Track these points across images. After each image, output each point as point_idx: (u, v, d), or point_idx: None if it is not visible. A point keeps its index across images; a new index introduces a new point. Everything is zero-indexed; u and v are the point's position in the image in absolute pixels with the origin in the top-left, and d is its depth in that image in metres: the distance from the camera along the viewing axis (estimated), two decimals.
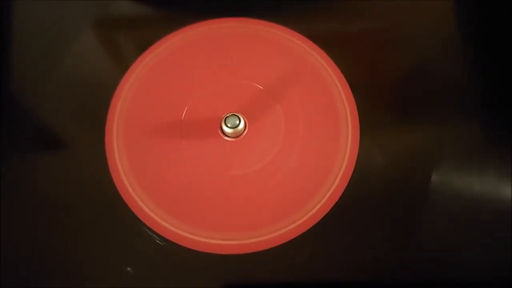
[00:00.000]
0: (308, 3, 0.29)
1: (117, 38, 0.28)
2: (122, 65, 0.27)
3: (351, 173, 0.23)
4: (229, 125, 0.24)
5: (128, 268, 0.22)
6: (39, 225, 0.23)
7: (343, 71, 0.26)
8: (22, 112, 0.26)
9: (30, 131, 0.26)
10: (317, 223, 0.23)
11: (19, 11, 0.29)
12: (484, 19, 0.29)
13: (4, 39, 0.28)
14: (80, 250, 0.23)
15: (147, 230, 0.23)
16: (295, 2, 0.29)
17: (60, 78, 0.27)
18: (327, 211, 0.23)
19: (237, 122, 0.24)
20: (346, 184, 0.23)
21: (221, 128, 0.24)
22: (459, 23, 0.29)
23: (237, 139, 0.24)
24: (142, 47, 0.27)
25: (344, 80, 0.26)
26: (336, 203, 0.23)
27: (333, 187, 0.23)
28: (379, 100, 0.26)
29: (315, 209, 0.23)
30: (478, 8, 0.29)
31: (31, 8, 0.29)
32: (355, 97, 0.25)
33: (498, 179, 0.24)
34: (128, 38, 0.28)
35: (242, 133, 0.24)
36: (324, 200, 0.23)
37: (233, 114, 0.24)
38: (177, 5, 0.29)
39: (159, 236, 0.22)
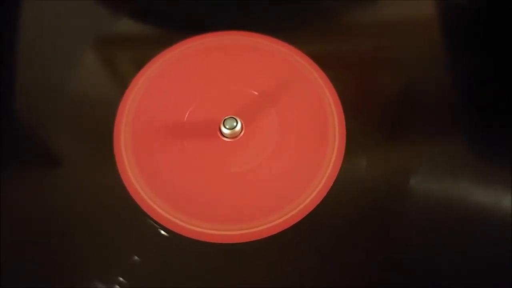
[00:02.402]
0: (302, 20, 0.30)
1: (119, 54, 0.30)
2: (126, 77, 0.28)
3: (336, 173, 0.25)
4: (227, 127, 0.25)
5: (135, 257, 0.24)
6: (44, 227, 0.24)
7: (332, 82, 0.28)
8: (28, 130, 0.27)
9: (40, 146, 0.27)
10: (304, 217, 0.24)
11: (23, 31, 0.30)
12: (471, 42, 0.30)
13: (8, 57, 0.29)
14: (87, 246, 0.24)
15: (152, 223, 0.24)
16: (289, 18, 0.30)
17: (66, 93, 0.28)
18: (313, 208, 0.24)
19: (235, 124, 0.25)
20: (331, 184, 0.25)
21: (220, 129, 0.26)
22: (447, 45, 0.30)
23: (235, 139, 0.26)
24: (146, 59, 0.28)
25: (333, 88, 0.27)
26: (322, 200, 0.25)
27: (319, 186, 0.25)
28: (366, 110, 0.28)
29: (304, 204, 0.24)
30: (465, 32, 0.31)
31: (33, 26, 0.30)
32: (342, 104, 0.27)
33: (487, 196, 0.25)
34: (130, 53, 0.30)
35: (239, 134, 0.26)
36: (310, 197, 0.25)
37: (231, 117, 0.25)
38: (179, 21, 0.31)
39: (163, 227, 0.24)
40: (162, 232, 0.24)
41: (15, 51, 0.29)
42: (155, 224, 0.24)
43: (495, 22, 0.31)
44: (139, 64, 0.28)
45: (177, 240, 0.24)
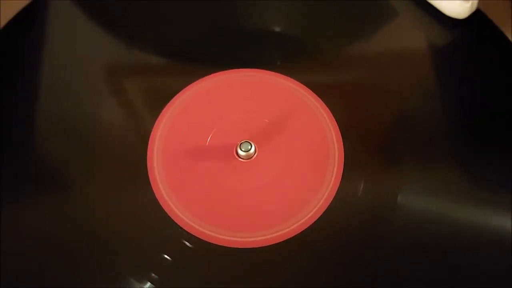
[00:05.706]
0: (306, 58, 0.34)
1: (147, 88, 0.33)
2: (155, 109, 0.31)
3: (335, 192, 0.28)
4: (243, 149, 0.28)
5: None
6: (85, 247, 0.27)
7: (332, 110, 0.31)
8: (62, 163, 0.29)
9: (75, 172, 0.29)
10: (307, 228, 0.27)
11: (47, 65, 0.32)
12: (463, 73, 0.32)
13: (36, 88, 0.30)
14: (122, 250, 0.26)
15: (180, 231, 0.27)
16: (293, 56, 0.34)
17: (98, 125, 0.30)
18: (315, 220, 0.27)
19: (249, 147, 0.28)
20: (329, 203, 0.28)
21: (236, 151, 0.29)
22: (439, 76, 0.32)
23: (249, 160, 0.29)
24: (172, 93, 0.32)
25: (332, 117, 0.31)
26: (320, 217, 0.28)
27: (319, 203, 0.28)
28: (362, 136, 0.30)
29: (307, 217, 0.28)
30: (458, 63, 0.32)
31: (55, 56, 0.33)
32: (340, 130, 0.30)
33: (481, 219, 0.27)
34: (157, 87, 0.32)
35: (253, 156, 0.29)
36: (313, 211, 0.28)
37: (246, 141, 0.28)
38: (201, 59, 0.34)
39: (191, 236, 0.27)
40: (187, 243, 0.27)
41: (47, 84, 0.31)
42: (184, 232, 0.27)
43: (485, 53, 0.32)
44: (164, 96, 0.32)
45: (202, 246, 0.27)
